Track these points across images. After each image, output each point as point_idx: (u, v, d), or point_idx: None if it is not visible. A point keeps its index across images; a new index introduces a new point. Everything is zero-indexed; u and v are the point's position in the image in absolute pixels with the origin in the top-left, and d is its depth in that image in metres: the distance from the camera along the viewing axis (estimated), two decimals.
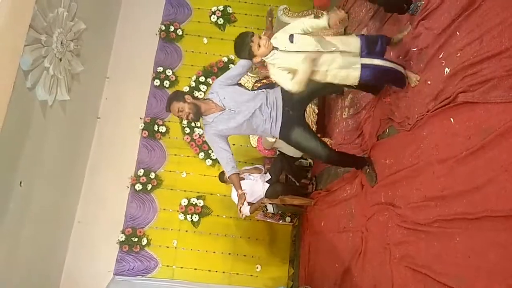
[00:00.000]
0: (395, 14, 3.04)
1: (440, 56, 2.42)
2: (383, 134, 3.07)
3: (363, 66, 2.56)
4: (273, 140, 4.41)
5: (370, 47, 2.61)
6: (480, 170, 1.89)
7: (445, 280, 2.02)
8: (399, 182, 2.65)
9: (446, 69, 2.33)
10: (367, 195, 3.11)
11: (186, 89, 5.47)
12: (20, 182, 3.84)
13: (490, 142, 1.84)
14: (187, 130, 5.37)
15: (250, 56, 2.61)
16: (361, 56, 2.57)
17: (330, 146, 3.21)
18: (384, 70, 2.59)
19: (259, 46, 2.52)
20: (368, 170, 3.05)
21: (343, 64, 2.54)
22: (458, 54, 2.23)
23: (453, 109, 2.17)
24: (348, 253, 3.27)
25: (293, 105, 2.91)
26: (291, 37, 2.53)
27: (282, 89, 2.86)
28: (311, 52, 2.49)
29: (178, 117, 2.92)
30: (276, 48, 2.55)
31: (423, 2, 2.74)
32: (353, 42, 2.60)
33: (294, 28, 2.57)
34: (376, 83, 2.72)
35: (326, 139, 4.25)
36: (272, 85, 4.25)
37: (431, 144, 2.37)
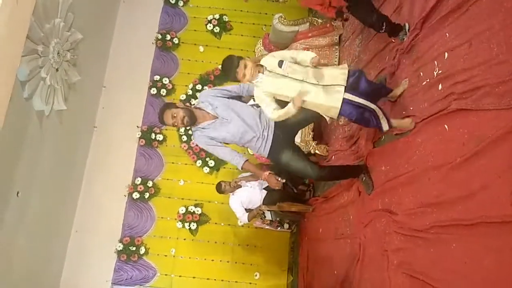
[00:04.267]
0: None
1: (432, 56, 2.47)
2: (379, 141, 3.10)
3: (345, 100, 2.50)
4: None
5: (356, 86, 2.55)
6: (474, 176, 1.91)
7: (442, 286, 2.03)
8: (395, 188, 2.67)
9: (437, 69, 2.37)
10: (364, 201, 3.12)
11: (183, 97, 5.50)
12: (17, 192, 3.83)
13: (483, 149, 1.86)
14: (184, 138, 5.38)
15: (235, 80, 2.62)
16: (345, 91, 2.51)
17: (319, 165, 3.15)
18: (365, 109, 2.55)
19: (244, 75, 2.53)
20: (364, 178, 3.06)
21: (324, 98, 2.52)
22: (447, 55, 2.27)
23: (447, 116, 2.20)
24: (346, 260, 3.27)
25: (284, 129, 2.88)
26: (280, 63, 2.55)
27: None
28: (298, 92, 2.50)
29: (172, 125, 2.86)
30: (264, 68, 2.56)
31: (407, 34, 2.80)
32: (339, 75, 2.54)
33: (284, 56, 2.60)
34: (359, 122, 2.67)
35: (322, 146, 4.27)
36: None
37: (426, 151, 2.39)
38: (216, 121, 2.87)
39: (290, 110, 2.51)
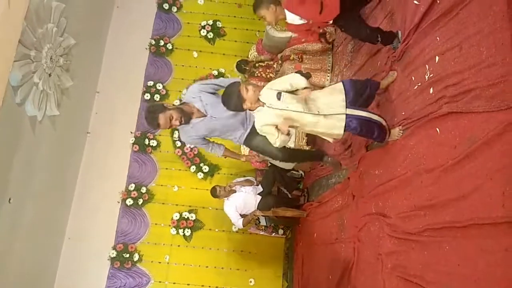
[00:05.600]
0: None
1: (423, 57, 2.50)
2: (371, 145, 3.11)
3: (348, 116, 2.55)
4: None
5: (357, 98, 2.61)
6: (466, 178, 1.92)
7: None
8: (388, 192, 2.68)
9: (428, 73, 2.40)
10: (358, 205, 3.13)
11: (176, 102, 5.48)
12: (9, 199, 3.79)
13: (474, 151, 1.87)
14: (178, 143, 5.36)
15: (239, 108, 2.64)
16: (347, 107, 2.56)
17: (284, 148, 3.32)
18: (369, 121, 2.59)
19: (247, 90, 2.56)
20: (329, 158, 3.17)
21: (326, 126, 2.59)
22: (438, 59, 2.29)
23: (439, 119, 2.22)
24: (341, 264, 3.27)
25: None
26: (278, 95, 2.59)
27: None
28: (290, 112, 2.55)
29: (170, 127, 2.93)
30: (263, 104, 2.59)
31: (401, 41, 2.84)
32: (338, 102, 2.59)
33: (280, 85, 2.63)
34: (364, 134, 2.70)
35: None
36: None
37: (418, 154, 2.41)
38: (204, 119, 2.93)
39: (285, 138, 2.60)
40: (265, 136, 2.82)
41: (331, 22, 2.92)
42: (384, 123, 2.65)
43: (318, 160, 3.38)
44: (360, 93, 2.63)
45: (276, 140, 2.62)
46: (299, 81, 2.61)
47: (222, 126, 3.02)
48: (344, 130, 2.58)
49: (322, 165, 4.15)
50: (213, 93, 3.06)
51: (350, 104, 2.57)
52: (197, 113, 2.96)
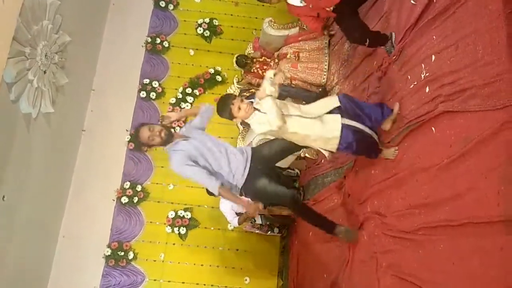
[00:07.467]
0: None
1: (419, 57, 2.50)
2: None
3: (344, 127, 2.51)
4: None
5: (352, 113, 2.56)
6: (461, 177, 1.92)
7: (431, 287, 2.03)
8: (384, 191, 2.68)
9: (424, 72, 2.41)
10: (353, 204, 3.13)
11: (172, 100, 5.46)
12: (3, 197, 3.76)
13: (470, 150, 1.88)
14: None
15: (231, 116, 2.60)
16: (342, 116, 2.53)
17: (296, 192, 3.13)
18: (363, 136, 2.57)
19: (239, 109, 2.54)
20: (342, 229, 2.90)
21: (323, 129, 2.54)
22: (434, 58, 2.29)
23: (434, 118, 2.22)
24: (336, 263, 3.27)
25: (261, 161, 2.88)
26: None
27: (252, 148, 2.95)
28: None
29: (149, 142, 2.75)
30: (258, 110, 2.57)
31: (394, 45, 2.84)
32: (332, 101, 2.59)
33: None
34: (360, 152, 2.68)
35: (312, 149, 4.27)
36: None
37: (414, 153, 2.41)
38: (186, 139, 2.82)
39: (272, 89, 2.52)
40: (272, 179, 2.79)
41: (331, 10, 2.88)
42: (376, 138, 2.64)
43: (329, 232, 2.97)
44: (357, 114, 2.61)
45: (271, 123, 2.52)
46: (266, 80, 2.57)
47: (204, 146, 2.81)
48: (339, 144, 2.53)
49: (318, 163, 4.15)
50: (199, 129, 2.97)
51: (344, 114, 2.55)
52: (178, 136, 2.87)
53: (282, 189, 2.88)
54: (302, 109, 2.61)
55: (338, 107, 2.57)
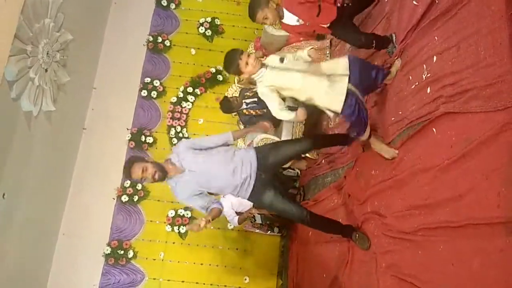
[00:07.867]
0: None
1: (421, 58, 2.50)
2: (368, 145, 3.10)
3: (350, 92, 2.48)
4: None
5: (360, 79, 2.54)
6: (462, 178, 1.92)
7: None
8: (384, 192, 2.68)
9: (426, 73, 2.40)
10: (353, 204, 3.13)
11: (174, 99, 5.46)
12: (3, 194, 3.77)
13: (471, 151, 1.87)
14: (175, 140, 5.35)
15: (238, 72, 2.60)
16: (349, 81, 2.49)
17: (305, 208, 2.97)
18: (362, 109, 2.54)
19: (247, 64, 2.53)
20: (357, 235, 2.87)
21: (328, 88, 2.49)
22: (435, 58, 2.29)
23: (435, 119, 2.22)
24: (336, 263, 3.27)
25: (266, 168, 2.81)
26: (281, 59, 2.58)
27: (257, 152, 2.85)
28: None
29: (141, 180, 2.71)
30: (266, 66, 2.57)
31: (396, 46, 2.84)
32: (342, 65, 2.55)
33: (284, 55, 2.64)
34: (355, 122, 2.61)
35: (313, 151, 4.27)
36: (260, 116, 4.29)
37: (415, 154, 2.41)
38: (184, 174, 2.74)
39: (292, 117, 2.57)
40: (277, 190, 2.76)
41: (327, 26, 2.90)
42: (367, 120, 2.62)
43: (345, 236, 2.97)
44: (366, 76, 2.61)
45: (277, 108, 2.53)
46: (303, 52, 2.63)
47: (204, 176, 2.74)
48: (344, 105, 2.48)
49: (318, 164, 4.14)
50: (197, 150, 2.82)
51: (353, 82, 2.51)
52: (175, 169, 2.74)
53: (289, 207, 2.83)
54: (312, 66, 2.58)
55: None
